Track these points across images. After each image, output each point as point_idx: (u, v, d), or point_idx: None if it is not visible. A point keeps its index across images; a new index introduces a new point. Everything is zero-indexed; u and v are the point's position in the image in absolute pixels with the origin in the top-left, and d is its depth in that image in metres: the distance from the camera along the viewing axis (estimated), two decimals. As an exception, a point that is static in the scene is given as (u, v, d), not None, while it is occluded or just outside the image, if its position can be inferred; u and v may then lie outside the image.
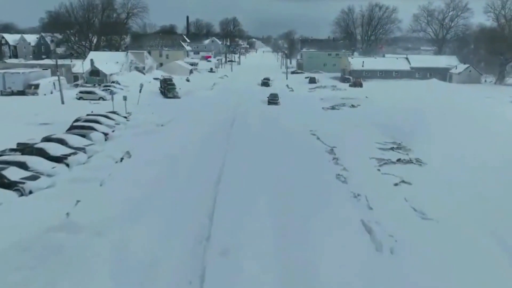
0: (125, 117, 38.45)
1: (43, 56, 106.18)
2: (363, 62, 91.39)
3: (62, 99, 49.80)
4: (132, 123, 37.05)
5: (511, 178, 23.24)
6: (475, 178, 23.63)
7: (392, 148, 30.90)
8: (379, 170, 26.09)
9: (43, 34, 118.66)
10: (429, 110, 42.89)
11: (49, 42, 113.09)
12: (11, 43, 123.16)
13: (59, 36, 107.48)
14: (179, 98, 57.52)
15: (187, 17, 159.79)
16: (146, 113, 42.76)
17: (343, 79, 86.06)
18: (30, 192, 20.30)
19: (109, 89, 55.68)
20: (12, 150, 25.64)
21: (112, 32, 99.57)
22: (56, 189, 21.02)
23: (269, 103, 53.82)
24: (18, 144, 26.76)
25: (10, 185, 20.13)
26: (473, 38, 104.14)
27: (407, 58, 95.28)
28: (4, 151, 25.33)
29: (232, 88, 72.09)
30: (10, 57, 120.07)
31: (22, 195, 19.92)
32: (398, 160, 27.93)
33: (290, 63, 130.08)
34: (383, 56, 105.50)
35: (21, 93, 56.15)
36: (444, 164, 26.53)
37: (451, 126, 35.46)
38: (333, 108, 50.95)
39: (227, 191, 21.55)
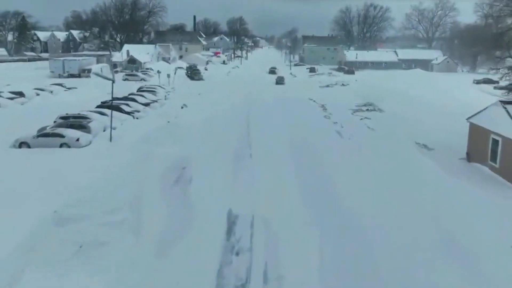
0: (172, 88, 51.96)
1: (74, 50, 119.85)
2: (356, 54, 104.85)
3: (114, 80, 63.15)
4: (177, 92, 50.52)
5: (431, 115, 36.84)
6: (409, 117, 37.27)
7: (365, 105, 44.35)
8: (352, 114, 39.69)
9: (71, 31, 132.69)
10: (399, 87, 56.76)
11: (77, 38, 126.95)
12: (42, 39, 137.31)
13: (87, 33, 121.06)
14: (203, 80, 70.99)
15: (194, 17, 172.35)
16: (183, 88, 56.23)
17: (339, 69, 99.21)
18: (137, 118, 33.79)
19: (147, 73, 69.30)
20: (110, 100, 39.03)
21: (136, 29, 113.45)
22: (151, 117, 34.56)
23: (277, 83, 67.19)
24: (113, 98, 40.12)
25: (125, 113, 33.59)
26: (457, 34, 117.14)
27: (395, 52, 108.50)
28: (105, 101, 38.76)
29: (244, 74, 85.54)
30: (41, 52, 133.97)
31: (133, 119, 33.40)
32: (367, 109, 41.43)
33: (293, 57, 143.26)
34: (376, 49, 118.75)
35: (73, 76, 69.63)
36: (395, 111, 40.15)
37: (410, 94, 49.26)
38: (327, 86, 64.37)
39: (255, 121, 35.12)
